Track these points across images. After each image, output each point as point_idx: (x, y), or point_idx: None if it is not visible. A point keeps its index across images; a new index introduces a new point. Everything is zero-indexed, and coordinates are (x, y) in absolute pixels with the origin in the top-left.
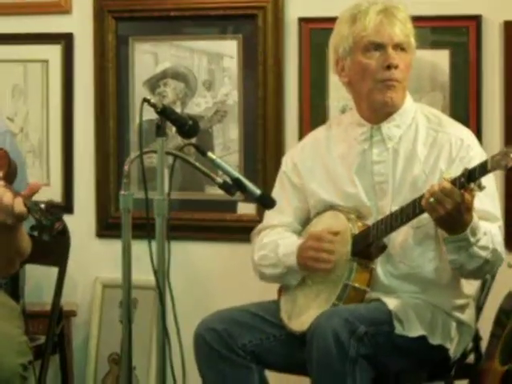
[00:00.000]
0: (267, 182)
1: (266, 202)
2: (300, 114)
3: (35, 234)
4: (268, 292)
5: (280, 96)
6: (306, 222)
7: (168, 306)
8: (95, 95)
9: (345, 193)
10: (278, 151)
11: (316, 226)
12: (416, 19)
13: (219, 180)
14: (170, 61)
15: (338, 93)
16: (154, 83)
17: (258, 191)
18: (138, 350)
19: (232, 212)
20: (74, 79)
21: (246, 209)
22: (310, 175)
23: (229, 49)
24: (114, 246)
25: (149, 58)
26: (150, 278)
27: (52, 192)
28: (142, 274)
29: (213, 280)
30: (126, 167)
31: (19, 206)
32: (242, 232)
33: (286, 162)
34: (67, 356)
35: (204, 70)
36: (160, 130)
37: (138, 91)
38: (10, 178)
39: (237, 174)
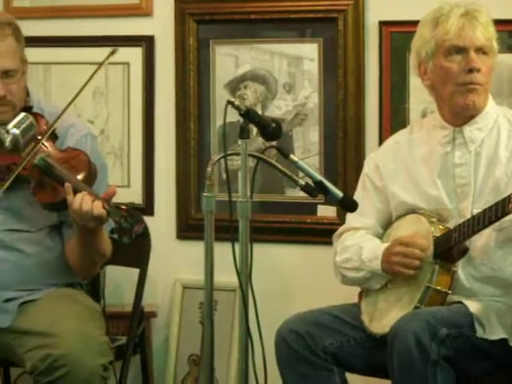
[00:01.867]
0: (348, 185)
1: (348, 205)
2: (380, 117)
3: (115, 236)
4: (348, 294)
5: (360, 99)
6: (387, 224)
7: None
8: (176, 97)
9: (427, 195)
10: (358, 154)
11: (398, 230)
12: (494, 23)
13: (301, 182)
14: (251, 63)
15: (418, 96)
16: (234, 86)
17: (340, 194)
18: (217, 351)
19: (312, 214)
20: (155, 81)
21: (326, 211)
22: (392, 178)
23: (309, 52)
24: (194, 248)
25: (229, 60)
26: (229, 280)
27: (132, 194)
28: (222, 275)
29: (293, 282)
30: (209, 169)
31: (98, 208)
32: (323, 235)
33: (368, 165)
34: (147, 357)
35: (284, 72)
36: (243, 132)
37: (219, 94)
38: (90, 180)
39: (319, 177)
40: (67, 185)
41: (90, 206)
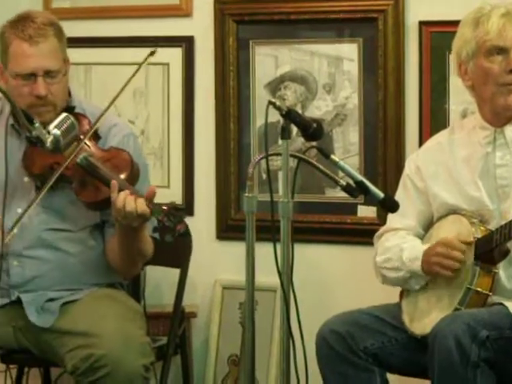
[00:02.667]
0: (387, 185)
1: (389, 205)
2: (420, 117)
3: (157, 235)
4: (389, 295)
5: (400, 99)
6: (428, 225)
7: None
8: (216, 98)
9: (468, 196)
10: (399, 154)
11: (439, 231)
12: None
13: (343, 182)
14: (290, 64)
15: (458, 96)
16: (274, 86)
17: (381, 194)
18: (257, 351)
19: (353, 215)
20: (195, 82)
21: (366, 212)
22: (434, 179)
23: (349, 52)
24: (234, 248)
25: (269, 61)
26: (269, 280)
27: (172, 194)
28: (261, 276)
29: (333, 282)
30: (250, 169)
31: (142, 207)
32: (363, 235)
33: (409, 166)
34: (188, 357)
35: (324, 73)
36: (285, 133)
37: (259, 94)
38: (133, 179)
39: (360, 177)
40: (113, 182)
41: (133, 204)
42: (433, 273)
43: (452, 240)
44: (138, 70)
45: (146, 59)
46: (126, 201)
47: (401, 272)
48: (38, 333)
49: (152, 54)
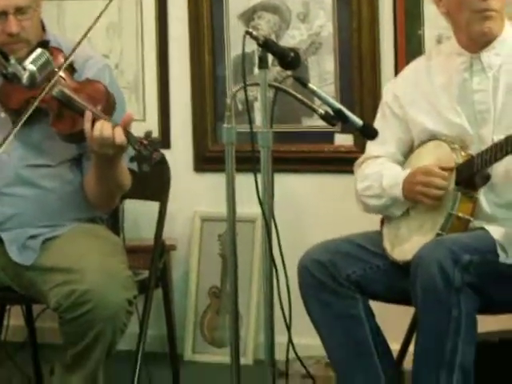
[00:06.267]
0: (364, 113)
1: (368, 133)
2: (395, 44)
3: (134, 165)
4: (369, 222)
5: (375, 26)
6: (408, 152)
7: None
8: (190, 29)
9: (449, 122)
10: (374, 82)
11: (419, 157)
12: None
13: (321, 111)
14: None
15: (432, 22)
16: (247, 16)
17: (360, 122)
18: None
19: (329, 143)
20: (168, 14)
21: (343, 140)
22: (413, 105)
23: None
24: (212, 180)
25: None
26: (247, 211)
27: (148, 127)
28: (240, 207)
29: (311, 211)
30: (228, 100)
31: (119, 136)
32: (340, 163)
33: (387, 93)
34: (169, 290)
35: (298, 2)
36: (263, 63)
37: (232, 25)
38: (109, 111)
39: (339, 105)
40: (87, 113)
41: (110, 132)
42: (416, 201)
43: (432, 168)
44: (109, 2)
45: None
46: (103, 129)
47: (382, 199)
48: (20, 270)
49: None
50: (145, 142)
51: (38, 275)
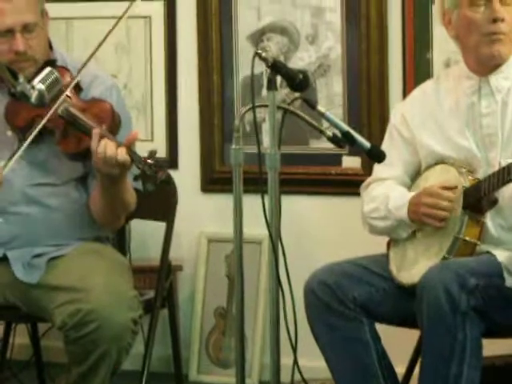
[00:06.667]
0: (372, 136)
1: (375, 155)
2: (404, 67)
3: (139, 184)
4: (376, 244)
5: (383, 49)
6: (415, 175)
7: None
8: (198, 50)
9: (457, 145)
10: (383, 104)
11: (427, 180)
12: None
13: (329, 133)
14: (273, 15)
15: (441, 46)
16: (256, 38)
17: (368, 144)
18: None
19: (337, 165)
20: (177, 35)
21: (351, 162)
22: (421, 128)
23: (331, 2)
24: (219, 201)
25: (251, 12)
26: (254, 232)
27: (156, 148)
28: (246, 228)
29: (319, 233)
30: (236, 121)
31: (122, 155)
32: (348, 185)
33: (395, 115)
34: (175, 310)
35: (307, 24)
36: (271, 84)
37: (241, 46)
38: (114, 130)
39: (347, 127)
40: (95, 131)
41: (114, 151)
42: (422, 223)
43: (437, 189)
44: (118, 21)
45: (126, 11)
46: (107, 146)
47: (388, 221)
48: (25, 289)
49: (132, 5)
50: (149, 161)
51: (43, 293)
